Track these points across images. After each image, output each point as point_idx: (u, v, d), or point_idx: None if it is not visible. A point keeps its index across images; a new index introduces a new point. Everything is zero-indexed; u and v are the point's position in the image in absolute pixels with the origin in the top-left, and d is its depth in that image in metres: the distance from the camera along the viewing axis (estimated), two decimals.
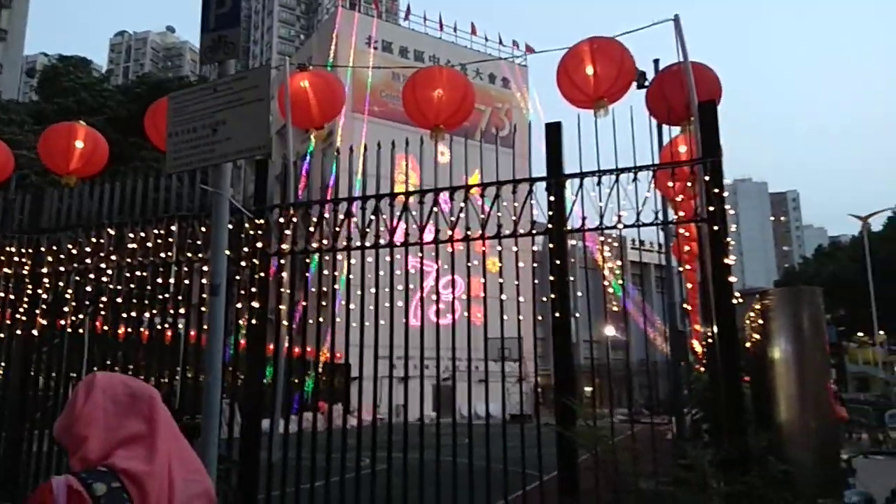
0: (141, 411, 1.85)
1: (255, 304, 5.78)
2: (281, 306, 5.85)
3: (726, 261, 4.68)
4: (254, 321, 5.76)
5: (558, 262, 5.17)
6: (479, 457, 5.06)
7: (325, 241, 5.84)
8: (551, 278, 5.15)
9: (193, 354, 6.19)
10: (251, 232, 5.87)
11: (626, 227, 5.14)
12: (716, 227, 4.74)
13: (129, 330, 6.38)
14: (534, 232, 5.36)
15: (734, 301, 4.62)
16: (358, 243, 5.80)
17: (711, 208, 4.78)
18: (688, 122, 5.43)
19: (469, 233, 5.52)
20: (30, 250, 6.87)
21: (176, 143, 4.39)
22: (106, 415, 1.81)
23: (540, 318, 5.68)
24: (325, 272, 6.17)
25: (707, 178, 4.83)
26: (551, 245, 5.21)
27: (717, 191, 4.78)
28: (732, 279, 4.64)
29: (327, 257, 5.88)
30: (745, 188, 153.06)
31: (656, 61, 15.67)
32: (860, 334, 49.32)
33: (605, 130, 5.45)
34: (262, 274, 5.85)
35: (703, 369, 6.93)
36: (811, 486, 4.23)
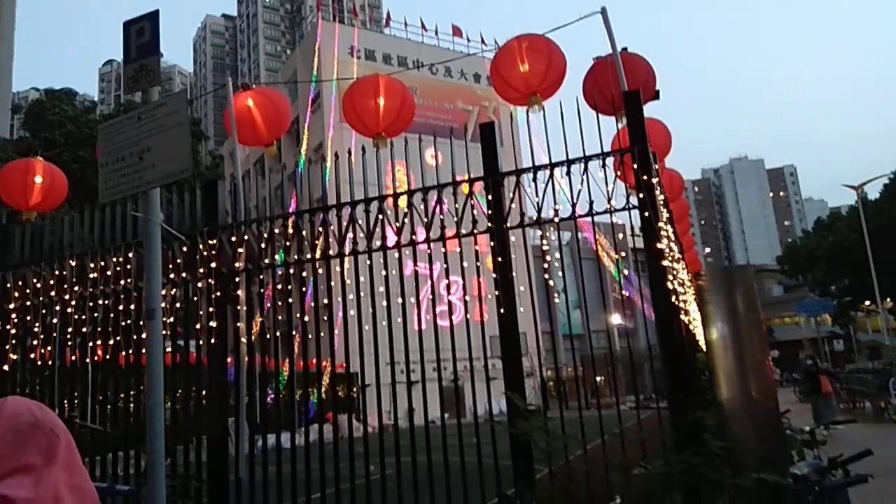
0: (39, 443, 1.92)
1: (213, 324, 5.87)
2: (239, 323, 5.94)
3: (659, 246, 4.75)
4: (213, 340, 5.85)
5: (500, 259, 5.24)
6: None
7: (276, 258, 5.92)
8: (494, 276, 5.22)
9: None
10: (204, 253, 5.97)
11: (562, 220, 5.21)
12: (646, 214, 4.80)
13: (97, 358, 6.47)
14: (475, 232, 5.42)
15: (669, 285, 4.69)
16: (311, 255, 5.87)
17: (641, 195, 4.85)
18: (620, 113, 5.49)
19: (414, 237, 5.59)
20: None
21: (107, 172, 4.49)
22: (4, 444, 1.89)
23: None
24: (293, 287, 6.21)
25: (635, 165, 4.89)
26: (492, 243, 5.28)
27: (645, 178, 4.85)
28: (665, 263, 4.71)
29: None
30: (741, 166, 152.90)
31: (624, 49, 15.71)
32: (867, 303, 49.12)
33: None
34: (219, 293, 5.94)
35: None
36: (754, 462, 4.29)
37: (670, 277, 4.82)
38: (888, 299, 45.97)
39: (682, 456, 4.11)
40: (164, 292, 6.03)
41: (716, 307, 4.60)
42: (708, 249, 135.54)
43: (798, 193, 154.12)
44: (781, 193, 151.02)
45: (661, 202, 5.38)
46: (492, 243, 5.30)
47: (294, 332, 5.84)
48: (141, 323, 6.29)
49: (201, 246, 6.01)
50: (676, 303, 5.33)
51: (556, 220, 5.20)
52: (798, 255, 56.39)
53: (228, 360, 5.93)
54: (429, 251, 5.54)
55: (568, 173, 5.19)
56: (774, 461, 4.40)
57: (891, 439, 14.89)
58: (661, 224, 4.86)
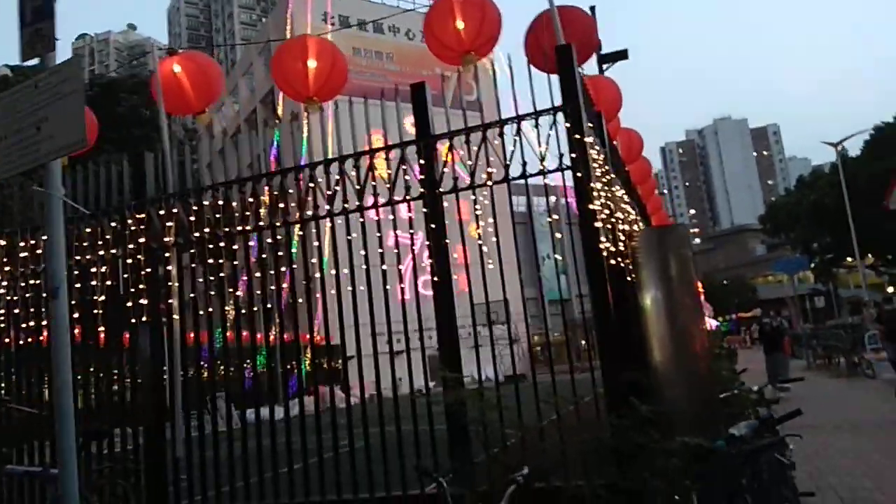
0: None
1: (144, 301, 5.68)
2: (171, 301, 5.76)
3: (591, 207, 4.58)
4: (144, 318, 5.67)
5: (433, 225, 5.06)
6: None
7: (215, 229, 5.71)
8: (427, 242, 5.05)
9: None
10: (132, 228, 5.75)
11: (495, 183, 5.03)
12: (578, 174, 4.63)
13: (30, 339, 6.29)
14: (408, 198, 5.24)
15: (601, 246, 4.54)
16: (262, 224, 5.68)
17: (573, 155, 4.67)
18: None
19: (346, 205, 5.39)
20: None
21: (6, 145, 4.24)
22: None
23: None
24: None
25: (567, 125, 4.70)
26: (425, 209, 5.10)
27: (577, 137, 4.67)
28: (597, 224, 4.55)
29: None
30: (725, 126, 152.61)
31: (592, 7, 15.42)
32: (849, 259, 49.41)
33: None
34: (149, 270, 5.74)
35: None
36: (687, 424, 4.19)
37: (604, 238, 4.65)
38: (868, 255, 46.26)
39: (611, 419, 4.01)
40: (94, 269, 5.85)
41: (648, 270, 4.47)
42: (693, 211, 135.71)
43: (781, 152, 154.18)
44: (765, 152, 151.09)
45: (601, 161, 5.20)
46: (425, 210, 5.12)
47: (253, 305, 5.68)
48: (73, 302, 6.10)
49: (130, 221, 5.80)
50: (622, 264, 5.18)
51: (490, 183, 5.03)
52: (779, 213, 56.54)
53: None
54: (366, 219, 5.36)
55: (501, 134, 5.00)
56: (707, 423, 4.32)
57: (854, 395, 14.95)
58: (594, 185, 4.68)
